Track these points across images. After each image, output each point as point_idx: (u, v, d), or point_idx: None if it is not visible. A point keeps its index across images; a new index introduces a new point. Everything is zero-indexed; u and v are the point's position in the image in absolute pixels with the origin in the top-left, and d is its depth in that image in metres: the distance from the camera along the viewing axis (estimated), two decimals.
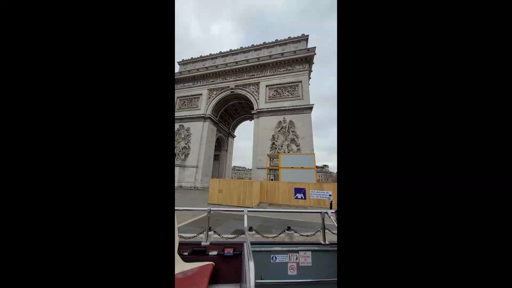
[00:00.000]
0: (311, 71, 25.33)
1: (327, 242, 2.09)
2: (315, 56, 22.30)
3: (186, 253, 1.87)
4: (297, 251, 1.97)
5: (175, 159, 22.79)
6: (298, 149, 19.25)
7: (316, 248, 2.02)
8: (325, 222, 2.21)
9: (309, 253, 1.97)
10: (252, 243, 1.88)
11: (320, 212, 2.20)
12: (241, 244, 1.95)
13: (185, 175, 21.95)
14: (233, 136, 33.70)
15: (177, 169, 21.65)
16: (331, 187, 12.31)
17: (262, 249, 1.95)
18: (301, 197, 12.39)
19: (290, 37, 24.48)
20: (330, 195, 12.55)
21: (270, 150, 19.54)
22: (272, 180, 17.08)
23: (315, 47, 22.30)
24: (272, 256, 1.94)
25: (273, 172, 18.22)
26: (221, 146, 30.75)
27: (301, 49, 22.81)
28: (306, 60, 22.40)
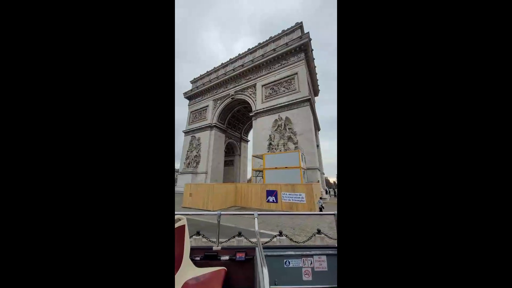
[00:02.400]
0: (314, 58, 22.72)
1: None
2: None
3: (198, 258, 1.82)
4: (311, 255, 1.85)
5: (188, 167, 25.44)
6: (296, 147, 17.47)
7: (331, 252, 1.86)
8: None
9: (324, 257, 1.84)
10: (264, 248, 1.80)
11: (334, 214, 2.10)
12: (252, 249, 1.88)
13: (196, 181, 24.03)
14: (246, 141, 34.07)
15: (190, 176, 24.04)
16: (304, 188, 10.52)
17: (275, 253, 1.86)
18: (273, 200, 11.17)
19: (283, 30, 23.02)
20: (320, 198, 10.82)
21: (268, 151, 18.64)
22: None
23: (308, 33, 20.05)
24: (285, 260, 1.85)
25: (261, 174, 17.27)
26: (234, 151, 31.73)
27: (294, 39, 20.99)
28: (301, 48, 20.36)
